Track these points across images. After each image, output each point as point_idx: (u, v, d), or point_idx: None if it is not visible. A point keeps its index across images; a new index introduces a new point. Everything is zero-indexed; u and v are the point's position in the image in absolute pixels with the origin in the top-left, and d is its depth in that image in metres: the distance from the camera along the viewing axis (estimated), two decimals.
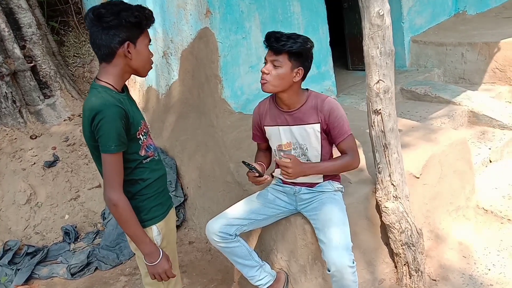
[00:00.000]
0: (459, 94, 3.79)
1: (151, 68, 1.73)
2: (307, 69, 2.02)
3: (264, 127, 2.21)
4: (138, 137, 1.67)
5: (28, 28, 4.50)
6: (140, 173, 1.70)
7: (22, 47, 4.47)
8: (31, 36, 4.51)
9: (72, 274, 3.16)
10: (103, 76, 1.62)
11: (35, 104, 4.48)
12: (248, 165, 1.99)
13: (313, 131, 2.06)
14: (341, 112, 2.05)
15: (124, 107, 1.58)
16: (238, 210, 2.23)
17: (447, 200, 2.70)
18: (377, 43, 2.09)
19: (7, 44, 4.31)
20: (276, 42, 1.92)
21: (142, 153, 1.69)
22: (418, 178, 2.55)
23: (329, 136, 2.09)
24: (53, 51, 4.86)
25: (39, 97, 4.50)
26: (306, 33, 3.63)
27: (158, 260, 1.67)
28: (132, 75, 1.73)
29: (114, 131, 1.52)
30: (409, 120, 3.25)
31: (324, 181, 2.19)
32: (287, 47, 1.90)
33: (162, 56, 3.89)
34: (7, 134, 4.21)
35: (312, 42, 2.01)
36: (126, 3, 1.59)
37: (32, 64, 4.47)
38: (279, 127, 2.13)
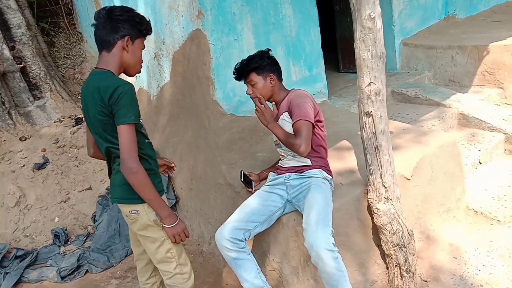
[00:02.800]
0: (449, 96, 3.83)
1: (140, 71, 1.95)
2: (277, 71, 2.36)
3: None
4: (140, 118, 1.86)
5: (18, 29, 4.46)
6: (147, 150, 1.90)
7: (12, 48, 4.43)
8: (21, 37, 4.47)
9: (62, 277, 3.13)
10: (103, 64, 1.81)
11: (25, 106, 4.44)
12: (241, 173, 2.44)
13: (286, 118, 2.30)
14: (301, 100, 2.26)
15: None
16: (239, 214, 2.28)
17: (437, 202, 2.72)
18: (368, 45, 2.10)
19: None
20: (239, 75, 2.36)
21: (143, 131, 1.89)
22: (409, 179, 2.57)
23: None
24: (43, 52, 4.82)
25: (28, 98, 4.46)
26: (298, 36, 3.69)
27: (177, 221, 1.85)
28: None
29: (134, 103, 1.74)
30: (399, 122, 3.27)
31: (313, 168, 2.30)
32: (246, 70, 2.31)
33: (154, 58, 3.87)
34: None
35: (265, 51, 2.37)
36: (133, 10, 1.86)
37: (21, 65, 4.43)
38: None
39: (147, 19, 1.89)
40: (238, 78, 2.39)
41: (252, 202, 2.32)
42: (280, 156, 2.46)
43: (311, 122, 2.23)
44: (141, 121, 1.83)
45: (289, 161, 2.37)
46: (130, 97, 1.72)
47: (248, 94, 2.37)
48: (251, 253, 2.24)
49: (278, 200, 2.30)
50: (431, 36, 4.66)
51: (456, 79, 4.28)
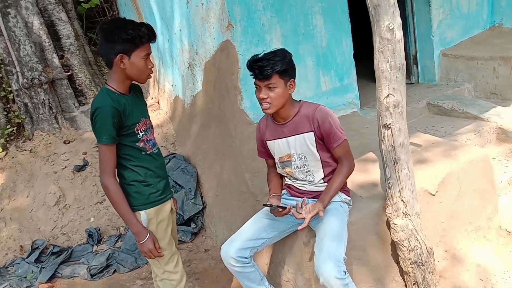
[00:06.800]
0: (488, 109, 3.64)
1: (150, 76, 1.98)
2: (295, 77, 2.10)
3: (266, 142, 2.28)
4: (137, 132, 1.95)
5: (67, 39, 4.77)
6: (142, 162, 1.97)
7: (61, 57, 4.74)
8: (69, 47, 4.77)
9: (92, 275, 3.28)
10: (109, 80, 1.96)
11: (70, 111, 4.72)
12: (270, 206, 2.13)
13: (308, 140, 2.13)
14: (333, 118, 2.12)
15: (119, 107, 1.86)
16: (249, 230, 2.24)
17: (465, 220, 2.60)
18: (387, 57, 2.07)
19: (47, 54, 4.59)
20: (262, 73, 1.97)
21: (141, 144, 1.97)
22: (433, 195, 2.48)
23: (324, 142, 2.14)
24: (89, 61, 5.11)
25: (74, 104, 4.74)
26: (329, 46, 3.68)
27: (144, 240, 1.93)
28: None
29: (105, 126, 1.83)
30: (431, 135, 3.16)
31: None
32: (275, 70, 1.96)
33: (188, 67, 4.00)
34: (43, 139, 4.46)
35: (288, 51, 2.09)
36: (125, 21, 1.92)
37: (69, 73, 4.73)
38: (278, 140, 2.21)
39: (140, 29, 1.84)
40: (256, 75, 1.98)
41: (264, 218, 2.27)
42: (287, 175, 2.28)
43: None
44: (138, 136, 1.95)
45: (305, 185, 2.25)
46: (102, 119, 1.82)
47: (261, 98, 2.01)
48: (255, 264, 2.27)
49: (290, 218, 2.19)
50: (473, 47, 4.46)
51: (498, 91, 4.07)
